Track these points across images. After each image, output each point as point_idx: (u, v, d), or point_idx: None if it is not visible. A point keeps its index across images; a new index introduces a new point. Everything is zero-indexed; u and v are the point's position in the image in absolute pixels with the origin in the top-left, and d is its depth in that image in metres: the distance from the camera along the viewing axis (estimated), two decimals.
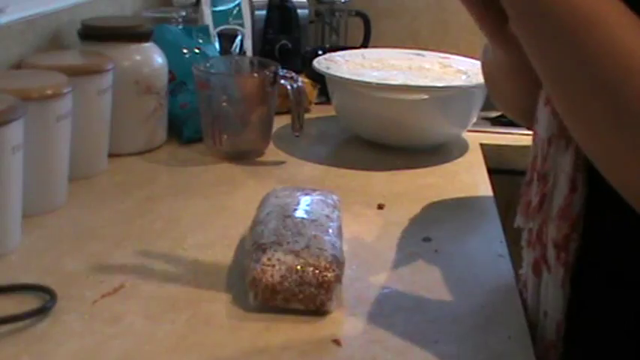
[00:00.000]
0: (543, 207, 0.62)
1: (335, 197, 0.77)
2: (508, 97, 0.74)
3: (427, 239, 0.78)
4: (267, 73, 0.99)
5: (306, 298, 0.62)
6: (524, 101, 0.69)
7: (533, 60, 0.53)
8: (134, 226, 0.79)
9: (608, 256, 0.60)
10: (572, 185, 0.59)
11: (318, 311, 0.63)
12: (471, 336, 0.61)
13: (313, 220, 0.69)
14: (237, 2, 1.30)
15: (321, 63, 1.10)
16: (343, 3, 1.51)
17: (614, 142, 0.49)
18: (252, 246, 0.66)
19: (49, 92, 0.78)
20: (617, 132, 0.49)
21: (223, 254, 0.73)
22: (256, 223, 0.70)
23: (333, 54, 1.16)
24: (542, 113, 0.62)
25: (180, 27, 1.19)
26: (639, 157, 0.48)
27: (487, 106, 1.01)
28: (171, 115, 1.05)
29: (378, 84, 1.02)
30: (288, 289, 0.62)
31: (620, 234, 0.58)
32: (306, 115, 1.07)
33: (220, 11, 1.28)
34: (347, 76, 1.05)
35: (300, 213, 0.70)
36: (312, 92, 1.21)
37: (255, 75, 1.05)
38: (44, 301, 0.63)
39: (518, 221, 0.67)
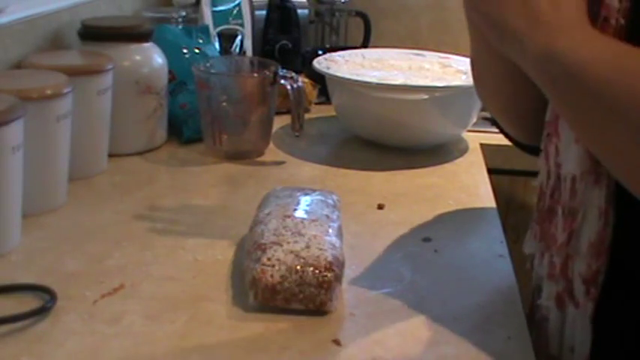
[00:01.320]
0: (571, 243, 0.61)
1: (335, 197, 0.77)
2: (494, 95, 0.74)
3: (427, 239, 0.78)
4: (267, 73, 0.99)
5: (306, 298, 0.62)
6: (512, 101, 0.70)
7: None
8: (134, 226, 0.79)
9: (636, 286, 0.59)
10: (605, 220, 0.58)
11: (318, 311, 0.63)
12: (470, 336, 0.61)
13: (313, 220, 0.69)
14: (237, 2, 1.30)
15: (321, 63, 1.10)
16: (343, 3, 1.51)
17: None
18: (252, 246, 0.66)
19: (49, 92, 0.78)
20: None
21: (223, 254, 0.73)
22: (256, 223, 0.70)
23: (333, 54, 1.16)
24: (572, 150, 0.60)
25: (180, 27, 1.19)
26: None
27: None
28: (171, 115, 1.05)
29: (378, 84, 1.02)
30: (288, 289, 0.62)
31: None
32: (306, 115, 1.07)
33: (220, 11, 1.28)
34: (347, 76, 1.05)
35: (300, 213, 0.70)
36: (312, 92, 1.21)
37: (255, 75, 1.05)
38: (44, 301, 0.63)
39: (528, 248, 0.67)
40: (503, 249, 0.77)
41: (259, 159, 1.02)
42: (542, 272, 0.65)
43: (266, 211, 0.71)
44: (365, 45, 1.47)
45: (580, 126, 0.55)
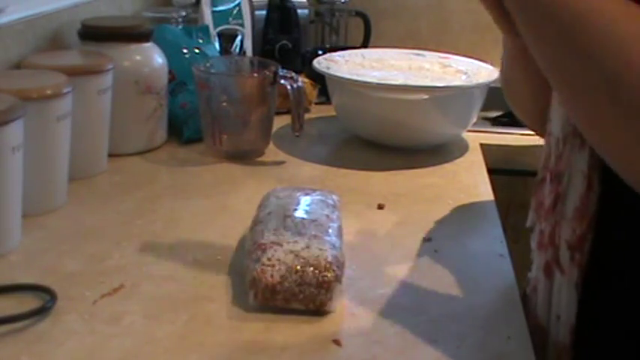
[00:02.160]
0: (557, 207, 0.61)
1: (335, 197, 0.77)
2: (523, 99, 0.74)
3: (427, 239, 0.78)
4: (267, 73, 0.99)
5: (306, 298, 0.62)
6: (538, 104, 0.68)
7: (534, 54, 0.53)
8: (134, 226, 0.79)
9: (621, 256, 0.59)
10: (589, 184, 0.58)
11: (318, 311, 0.63)
12: (470, 336, 0.61)
13: (313, 220, 0.69)
14: (237, 2, 1.30)
15: (321, 63, 1.10)
16: (343, 3, 1.51)
17: (619, 134, 0.49)
18: (252, 246, 0.66)
19: (49, 92, 0.78)
20: (621, 123, 0.48)
21: (223, 254, 0.73)
22: (256, 223, 0.70)
23: (333, 54, 1.16)
24: (557, 113, 0.62)
25: (180, 27, 1.20)
26: None
27: (487, 106, 1.01)
28: (171, 115, 1.05)
29: (378, 84, 1.02)
30: (288, 289, 0.62)
31: (634, 233, 0.57)
32: (306, 115, 1.07)
33: (220, 11, 1.28)
34: (347, 76, 1.05)
35: (300, 213, 0.70)
36: (312, 92, 1.21)
37: (255, 75, 1.05)
38: (44, 301, 0.63)
39: (530, 220, 0.67)
40: (503, 249, 0.77)
41: (259, 159, 1.02)
42: (533, 245, 0.65)
43: (266, 211, 0.71)
44: (365, 45, 1.47)
45: (552, 71, 0.53)
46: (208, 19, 1.25)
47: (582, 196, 0.59)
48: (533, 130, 0.77)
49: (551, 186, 0.62)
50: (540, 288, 0.65)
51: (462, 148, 1.08)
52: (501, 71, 0.76)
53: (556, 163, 0.62)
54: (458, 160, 1.04)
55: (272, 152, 1.04)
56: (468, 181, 0.97)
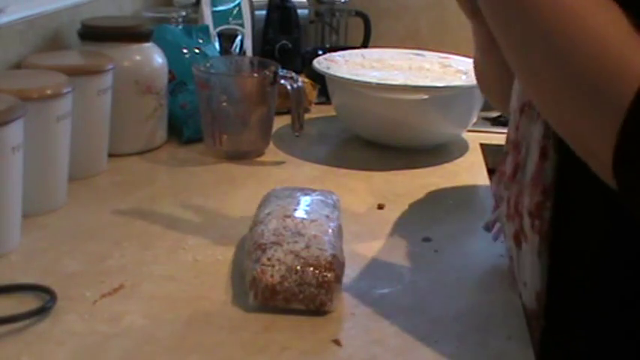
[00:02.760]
0: (517, 176, 0.64)
1: (335, 197, 0.77)
2: (495, 85, 0.77)
3: (427, 239, 0.78)
4: (267, 73, 0.99)
5: (306, 298, 0.62)
6: (507, 88, 0.71)
7: (496, 36, 0.55)
8: (134, 226, 0.79)
9: (583, 225, 0.60)
10: (543, 153, 0.60)
11: (318, 311, 0.63)
12: (470, 336, 0.61)
13: (313, 220, 0.69)
14: (237, 2, 1.30)
15: (321, 63, 1.10)
16: (343, 3, 1.51)
17: (567, 107, 0.50)
18: (252, 246, 0.66)
19: (49, 92, 0.78)
20: (570, 98, 0.49)
21: (223, 254, 0.73)
22: (256, 223, 0.70)
23: (333, 54, 1.16)
24: (515, 85, 0.65)
25: (180, 27, 1.19)
26: (595, 122, 0.48)
27: (487, 106, 1.01)
28: (171, 115, 1.05)
29: (378, 84, 1.02)
30: (288, 289, 0.62)
31: (592, 202, 0.58)
32: (306, 115, 1.07)
33: (220, 11, 1.28)
34: (347, 76, 1.05)
35: (300, 213, 0.70)
36: (312, 92, 1.21)
37: (255, 75, 1.05)
38: (44, 301, 0.63)
39: (491, 189, 0.70)
40: (503, 249, 0.77)
41: (259, 159, 1.02)
42: (503, 216, 0.67)
43: (266, 211, 0.71)
44: (365, 45, 1.47)
45: (504, 40, 0.54)
46: (208, 19, 1.25)
47: (537, 165, 0.60)
48: (505, 114, 0.80)
49: (511, 156, 0.65)
50: (514, 257, 0.66)
51: (461, 148, 1.08)
52: (474, 64, 0.79)
53: (515, 133, 0.64)
54: (458, 160, 1.04)
55: (272, 152, 1.04)
56: (468, 181, 0.97)
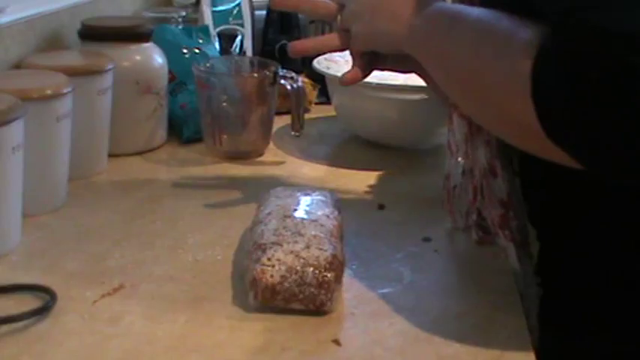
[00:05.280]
0: (477, 198, 0.72)
1: (335, 197, 0.77)
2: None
3: (427, 239, 0.78)
4: (267, 73, 0.99)
5: (306, 298, 0.62)
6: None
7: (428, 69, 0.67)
8: (134, 226, 0.79)
9: (550, 230, 0.67)
10: (492, 172, 0.68)
11: (318, 311, 0.63)
12: (470, 336, 0.61)
13: (313, 220, 0.69)
14: (237, 2, 1.30)
15: (321, 63, 1.10)
16: None
17: (486, 94, 0.57)
18: (252, 246, 0.66)
19: (49, 92, 0.78)
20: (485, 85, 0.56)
21: (223, 254, 0.73)
22: (256, 223, 0.70)
23: (333, 54, 1.15)
24: (456, 121, 0.73)
25: (180, 27, 1.19)
26: (511, 99, 0.52)
27: None
28: (171, 115, 1.05)
29: (378, 84, 1.02)
30: (288, 289, 0.62)
31: (552, 206, 0.66)
32: (306, 115, 1.07)
33: (220, 11, 1.28)
34: None
35: (300, 213, 0.70)
36: (312, 92, 1.21)
37: (255, 75, 1.05)
38: (44, 301, 0.63)
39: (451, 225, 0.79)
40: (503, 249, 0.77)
41: (259, 159, 1.02)
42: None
43: (266, 211, 0.71)
44: None
45: (443, 79, 0.64)
46: (208, 19, 1.25)
47: (489, 183, 0.69)
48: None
49: (470, 180, 0.73)
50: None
51: None
52: None
53: (466, 161, 0.73)
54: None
55: (272, 152, 1.04)
56: None
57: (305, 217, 0.69)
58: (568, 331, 0.65)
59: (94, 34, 0.98)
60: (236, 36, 1.28)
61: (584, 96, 0.46)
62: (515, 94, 0.50)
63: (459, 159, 0.75)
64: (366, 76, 0.80)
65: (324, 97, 1.19)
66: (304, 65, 1.28)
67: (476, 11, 0.59)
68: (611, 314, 0.63)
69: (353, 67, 0.79)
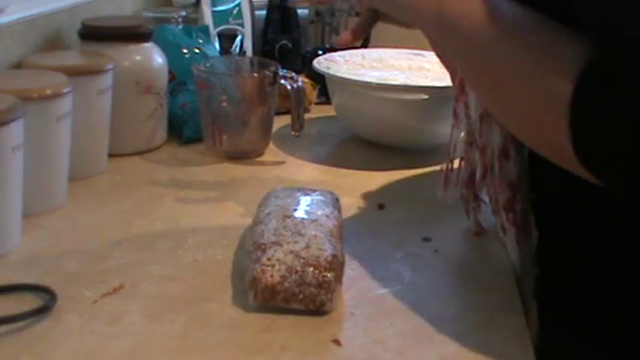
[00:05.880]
0: (486, 178, 0.72)
1: (335, 197, 0.77)
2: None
3: (427, 239, 0.78)
4: (267, 73, 0.99)
5: (306, 298, 0.62)
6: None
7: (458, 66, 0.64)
8: (134, 226, 0.79)
9: (554, 217, 0.66)
10: (505, 154, 0.68)
11: (318, 311, 0.63)
12: (470, 336, 0.61)
13: (313, 220, 0.69)
14: (237, 2, 1.30)
15: (321, 63, 1.10)
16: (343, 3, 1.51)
17: (526, 117, 0.55)
18: (252, 246, 0.66)
19: (49, 92, 0.78)
20: (525, 109, 0.54)
21: (223, 254, 0.73)
22: (256, 223, 0.70)
23: (333, 54, 1.15)
24: (473, 100, 0.71)
25: (180, 27, 1.19)
26: (549, 122, 0.51)
27: None
28: (171, 115, 1.05)
29: (378, 84, 1.02)
30: (288, 289, 0.62)
31: (559, 195, 0.64)
32: (306, 115, 1.07)
33: (220, 11, 1.28)
34: (347, 76, 1.05)
35: (300, 213, 0.70)
36: (312, 92, 1.21)
37: (255, 75, 1.05)
38: (44, 301, 0.63)
39: (442, 194, 0.80)
40: (503, 248, 0.77)
41: (259, 159, 1.02)
42: (492, 213, 0.75)
43: (266, 211, 0.71)
44: (365, 45, 1.47)
45: (469, 74, 0.61)
46: (208, 19, 1.25)
47: (500, 165, 0.69)
48: None
49: (480, 159, 0.73)
50: (505, 244, 0.73)
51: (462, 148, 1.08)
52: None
53: (480, 139, 0.71)
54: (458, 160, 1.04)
55: (272, 152, 1.04)
56: None
57: (305, 217, 0.69)
58: (566, 320, 0.65)
59: (94, 34, 0.98)
60: (236, 36, 1.28)
61: (628, 131, 0.44)
62: (550, 114, 0.49)
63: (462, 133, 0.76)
64: (358, 39, 0.78)
65: (324, 97, 1.19)
66: (304, 65, 1.28)
67: (513, 9, 0.55)
68: (609, 303, 0.62)
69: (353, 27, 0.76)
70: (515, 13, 0.55)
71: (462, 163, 0.78)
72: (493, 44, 0.55)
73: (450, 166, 0.80)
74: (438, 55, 0.72)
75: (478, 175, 0.73)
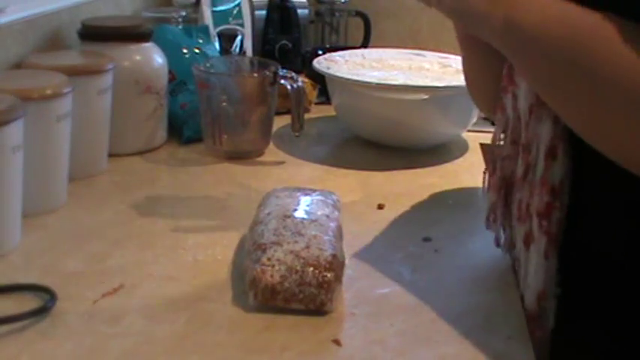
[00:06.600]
0: (528, 177, 0.64)
1: (335, 197, 0.77)
2: (480, 86, 0.79)
3: (427, 239, 0.78)
4: (267, 73, 0.99)
5: (306, 298, 0.62)
6: (492, 89, 0.72)
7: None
8: (134, 226, 0.79)
9: (594, 230, 0.60)
10: (552, 153, 0.60)
11: (318, 311, 0.63)
12: (470, 336, 0.61)
13: (313, 220, 0.69)
14: (237, 2, 1.30)
15: (321, 63, 1.10)
16: (343, 3, 1.51)
17: (619, 131, 0.51)
18: (252, 246, 0.66)
19: (49, 92, 0.78)
20: (623, 126, 0.50)
21: (223, 254, 0.73)
22: (256, 223, 0.70)
23: (333, 54, 1.16)
24: (523, 88, 0.64)
25: (180, 27, 1.19)
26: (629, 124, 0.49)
27: None
28: (171, 115, 1.05)
29: (378, 84, 1.02)
30: (288, 289, 0.62)
31: (605, 207, 0.59)
32: (306, 115, 1.07)
33: (220, 11, 1.28)
34: (347, 76, 1.05)
35: (300, 213, 0.70)
36: (312, 92, 1.21)
37: (255, 75, 1.05)
38: (44, 301, 0.63)
39: (491, 197, 0.72)
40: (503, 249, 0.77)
41: (259, 159, 1.02)
42: (514, 219, 0.67)
43: (266, 211, 0.71)
44: (365, 45, 1.47)
45: (547, 92, 0.56)
46: (208, 19, 1.25)
47: (545, 165, 0.61)
48: (488, 115, 0.81)
49: (522, 156, 0.65)
50: (522, 260, 0.66)
51: (461, 148, 1.08)
52: (463, 65, 0.79)
53: (525, 134, 0.64)
54: (458, 160, 1.04)
55: (272, 152, 1.04)
56: (468, 181, 0.97)
57: (305, 217, 0.69)
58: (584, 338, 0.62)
59: (94, 34, 0.98)
60: (236, 36, 1.28)
61: None
62: None
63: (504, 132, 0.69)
64: None
65: (324, 97, 1.20)
66: (304, 65, 1.28)
67: (590, 17, 0.51)
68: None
69: None
70: (594, 22, 0.51)
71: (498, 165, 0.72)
72: (576, 57, 0.52)
73: (493, 166, 0.73)
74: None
75: (519, 173, 0.65)
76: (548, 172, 0.61)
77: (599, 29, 0.50)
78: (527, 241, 0.64)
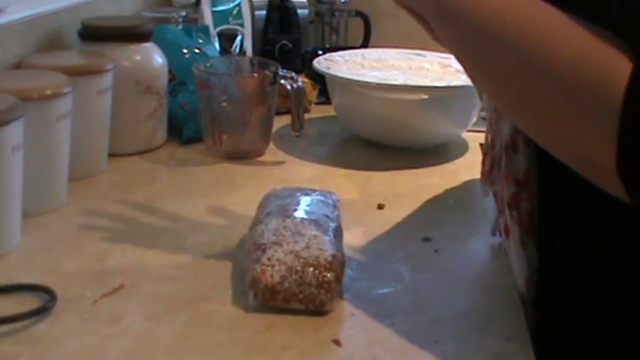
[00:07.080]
0: (493, 171, 0.68)
1: (335, 197, 0.77)
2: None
3: (427, 239, 0.78)
4: (267, 73, 0.99)
5: (306, 298, 0.62)
6: None
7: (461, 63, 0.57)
8: (134, 226, 0.79)
9: (562, 217, 0.62)
10: (513, 146, 0.63)
11: (318, 311, 0.63)
12: (470, 336, 0.61)
13: (313, 220, 0.69)
14: (237, 2, 1.30)
15: (321, 63, 1.10)
16: (343, 3, 1.51)
17: (559, 124, 0.50)
18: (252, 246, 0.66)
19: (49, 92, 0.78)
20: (561, 116, 0.50)
21: (223, 254, 0.73)
22: (256, 223, 0.70)
23: (333, 54, 1.16)
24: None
25: (180, 27, 1.19)
26: (589, 131, 0.48)
27: None
28: (171, 115, 1.05)
29: (378, 84, 1.02)
30: (288, 289, 0.62)
31: (572, 199, 0.60)
32: (306, 115, 1.07)
33: (220, 11, 1.28)
34: (347, 76, 1.05)
35: (300, 213, 0.70)
36: (312, 92, 1.21)
37: (255, 75, 1.05)
38: (44, 301, 0.63)
39: (480, 191, 0.75)
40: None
41: (259, 159, 1.02)
42: (497, 212, 0.71)
43: (266, 211, 0.71)
44: (365, 45, 1.47)
45: (479, 76, 0.56)
46: (208, 19, 1.25)
47: (506, 158, 0.64)
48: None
49: (490, 152, 0.69)
50: (508, 249, 0.69)
51: (461, 148, 1.08)
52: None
53: (490, 131, 0.68)
54: (458, 160, 1.04)
55: (272, 152, 1.04)
56: (468, 181, 0.97)
57: (305, 217, 0.69)
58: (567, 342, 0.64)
59: (94, 34, 0.98)
60: (236, 36, 1.28)
61: None
62: (590, 126, 0.47)
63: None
64: None
65: (324, 97, 1.20)
66: (304, 65, 1.28)
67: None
68: (613, 321, 0.60)
69: None
70: (545, 10, 0.50)
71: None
72: (519, 46, 0.50)
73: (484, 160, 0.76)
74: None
75: (485, 169, 0.70)
76: (510, 165, 0.63)
77: (530, 7, 0.50)
78: (507, 231, 0.67)
